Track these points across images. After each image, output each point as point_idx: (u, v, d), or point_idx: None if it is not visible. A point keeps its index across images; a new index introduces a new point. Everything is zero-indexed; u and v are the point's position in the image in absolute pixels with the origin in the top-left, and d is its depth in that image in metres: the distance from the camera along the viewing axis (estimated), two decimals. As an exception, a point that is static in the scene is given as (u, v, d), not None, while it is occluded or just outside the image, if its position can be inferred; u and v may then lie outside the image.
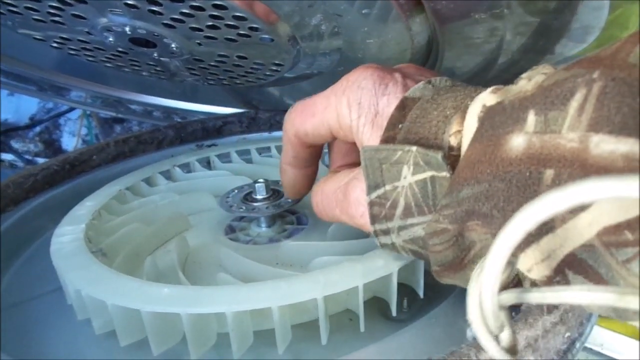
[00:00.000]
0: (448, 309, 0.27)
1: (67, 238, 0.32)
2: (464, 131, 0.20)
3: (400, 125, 0.23)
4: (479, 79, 0.43)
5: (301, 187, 0.32)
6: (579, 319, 0.21)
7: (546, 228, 0.16)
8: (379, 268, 0.25)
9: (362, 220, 0.25)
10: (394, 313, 0.27)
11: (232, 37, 0.36)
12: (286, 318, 0.25)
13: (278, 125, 0.57)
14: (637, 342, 0.43)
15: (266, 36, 0.36)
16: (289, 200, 0.36)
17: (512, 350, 0.16)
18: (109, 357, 0.27)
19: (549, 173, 0.16)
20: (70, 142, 0.76)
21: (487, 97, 0.20)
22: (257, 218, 0.37)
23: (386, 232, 0.24)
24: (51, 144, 0.76)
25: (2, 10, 0.36)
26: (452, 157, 0.21)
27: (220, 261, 0.33)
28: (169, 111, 0.68)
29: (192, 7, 0.32)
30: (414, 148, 0.21)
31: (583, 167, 0.15)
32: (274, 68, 0.43)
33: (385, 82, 0.25)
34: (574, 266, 0.16)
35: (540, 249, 0.16)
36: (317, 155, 0.31)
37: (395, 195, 0.22)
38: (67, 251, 0.30)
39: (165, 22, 0.35)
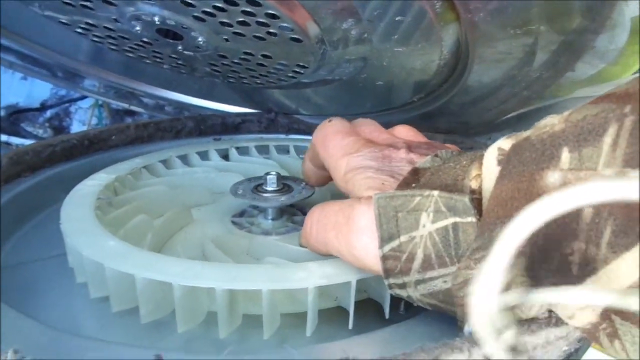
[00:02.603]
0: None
1: (92, 182, 0.35)
2: (484, 174, 0.20)
3: (414, 185, 0.23)
4: (500, 95, 0.43)
5: (313, 179, 0.36)
6: (581, 335, 0.20)
7: (588, 270, 0.16)
8: None
9: (363, 252, 0.23)
10: (386, 315, 0.26)
11: (261, 35, 0.36)
12: (276, 304, 0.25)
13: (295, 131, 0.58)
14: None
15: (295, 36, 0.36)
16: (299, 195, 0.36)
17: (514, 350, 0.16)
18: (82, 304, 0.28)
19: (588, 210, 0.16)
20: (79, 130, 0.75)
21: (502, 142, 0.20)
22: (266, 209, 0.37)
23: (402, 287, 0.22)
24: (61, 130, 0.75)
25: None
26: (474, 201, 0.20)
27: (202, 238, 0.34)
28: (181, 106, 0.68)
29: (226, 1, 0.32)
30: (436, 192, 0.21)
31: (624, 204, 0.15)
32: (297, 70, 0.43)
33: (389, 158, 0.26)
34: (620, 311, 0.15)
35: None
36: None
37: (412, 247, 0.21)
38: (76, 202, 0.33)
39: (196, 14, 0.34)
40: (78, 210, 0.31)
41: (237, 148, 0.50)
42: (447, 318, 0.24)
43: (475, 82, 0.39)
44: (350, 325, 0.25)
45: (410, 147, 0.27)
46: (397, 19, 0.33)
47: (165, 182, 0.41)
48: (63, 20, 0.40)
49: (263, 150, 0.51)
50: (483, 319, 0.15)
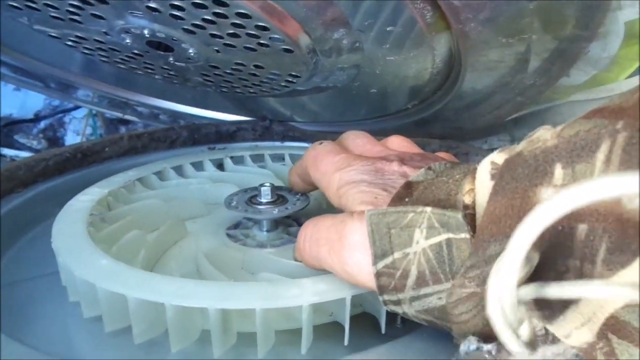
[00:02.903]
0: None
1: (85, 197, 0.35)
2: (477, 188, 0.20)
3: (407, 199, 0.23)
4: (494, 101, 0.42)
5: (299, 187, 0.36)
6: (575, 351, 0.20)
7: (604, 280, 0.15)
8: None
9: (356, 269, 0.23)
10: (382, 330, 0.26)
11: (252, 46, 0.36)
12: (270, 322, 0.24)
13: (291, 138, 0.57)
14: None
15: (286, 47, 0.35)
16: (293, 207, 0.36)
17: (531, 344, 0.16)
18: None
19: (582, 228, 0.15)
20: (74, 141, 0.75)
21: (495, 156, 0.20)
22: (260, 221, 0.37)
23: (397, 303, 0.22)
24: (55, 141, 0.75)
25: (19, 6, 0.35)
26: (468, 216, 0.20)
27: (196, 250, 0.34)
28: (176, 115, 0.68)
29: (215, 14, 0.32)
30: (429, 209, 0.20)
31: (619, 221, 0.15)
32: (290, 79, 0.43)
33: (381, 171, 0.26)
34: (617, 330, 0.15)
35: (579, 310, 0.16)
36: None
37: (406, 264, 0.21)
38: (68, 219, 0.32)
39: (185, 27, 0.34)
40: (70, 228, 0.31)
41: (231, 157, 0.50)
42: (444, 335, 0.24)
43: (469, 89, 0.39)
44: (346, 342, 0.25)
45: (402, 159, 0.26)
46: (388, 28, 0.32)
47: (159, 195, 0.41)
48: (53, 34, 0.40)
49: (258, 159, 0.51)
50: (499, 312, 0.15)
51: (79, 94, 0.67)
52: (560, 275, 0.16)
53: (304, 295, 0.24)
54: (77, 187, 0.38)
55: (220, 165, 0.49)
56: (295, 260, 0.29)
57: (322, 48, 0.36)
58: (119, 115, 0.69)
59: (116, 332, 0.26)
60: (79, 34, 0.39)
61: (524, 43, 0.31)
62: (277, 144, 0.57)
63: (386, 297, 0.22)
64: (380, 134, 0.31)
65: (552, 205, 0.13)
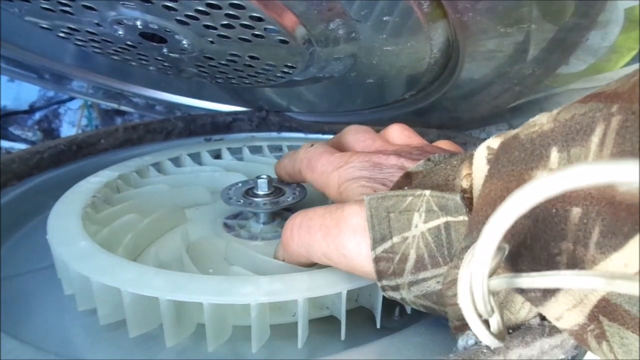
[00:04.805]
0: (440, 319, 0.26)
1: (95, 179, 0.37)
2: (474, 173, 0.20)
3: (406, 187, 0.23)
4: (492, 91, 0.42)
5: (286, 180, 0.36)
6: (575, 342, 0.20)
7: (576, 270, 0.15)
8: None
9: (355, 252, 0.22)
10: (378, 325, 0.26)
11: (247, 37, 0.35)
12: (265, 316, 0.24)
13: (287, 129, 0.57)
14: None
15: (281, 38, 0.35)
16: (289, 199, 0.36)
17: (500, 335, 0.16)
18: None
19: (576, 211, 0.15)
20: (69, 132, 0.74)
21: (491, 141, 0.20)
22: (258, 213, 0.36)
23: (395, 289, 0.22)
24: (50, 132, 0.74)
25: (9, -3, 0.35)
26: (465, 200, 0.20)
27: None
28: (172, 106, 0.67)
29: (209, 4, 0.31)
30: (427, 192, 0.20)
31: (611, 204, 0.14)
32: (286, 70, 0.42)
33: (379, 165, 0.26)
34: (608, 312, 0.15)
35: (571, 292, 0.16)
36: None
37: (405, 248, 0.21)
38: (64, 210, 0.32)
39: (178, 18, 0.34)
40: (65, 220, 0.31)
41: (228, 149, 0.49)
42: (442, 329, 0.24)
43: (467, 79, 0.38)
44: (343, 336, 0.25)
45: (399, 153, 0.26)
46: (384, 18, 0.32)
47: (169, 180, 0.41)
48: (44, 25, 0.39)
49: (256, 150, 0.51)
50: (470, 303, 0.15)
51: (73, 85, 0.67)
52: (552, 258, 0.16)
53: (255, 294, 0.23)
54: (72, 180, 0.38)
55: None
56: (276, 258, 0.29)
57: (318, 38, 0.36)
58: (114, 106, 0.69)
59: (112, 325, 0.26)
60: (70, 26, 0.38)
61: (523, 32, 0.31)
62: (274, 134, 0.57)
63: (385, 282, 0.22)
64: (377, 124, 0.31)
65: (521, 196, 0.13)
